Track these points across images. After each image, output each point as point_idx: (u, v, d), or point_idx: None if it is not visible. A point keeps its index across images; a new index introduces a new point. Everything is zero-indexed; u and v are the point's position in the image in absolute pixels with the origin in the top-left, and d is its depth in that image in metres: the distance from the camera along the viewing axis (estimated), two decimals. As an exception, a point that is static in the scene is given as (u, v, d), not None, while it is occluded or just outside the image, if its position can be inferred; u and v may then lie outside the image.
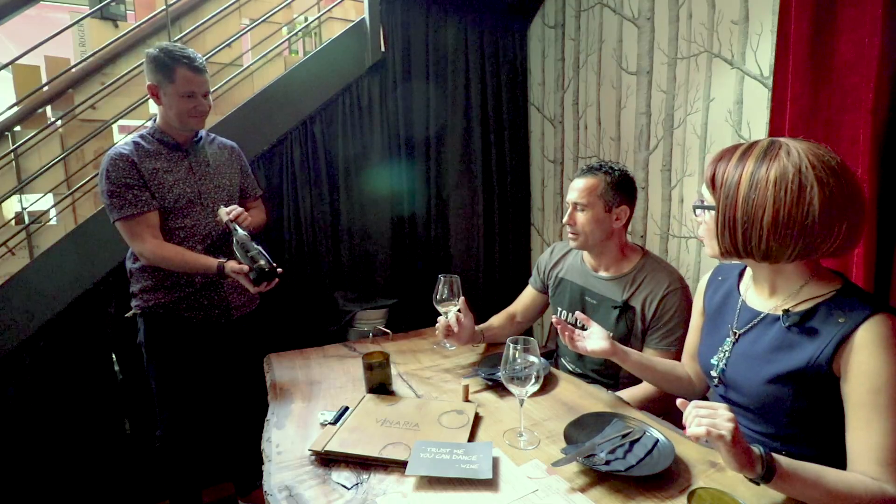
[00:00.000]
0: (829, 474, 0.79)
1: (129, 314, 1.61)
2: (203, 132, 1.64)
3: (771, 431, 0.93)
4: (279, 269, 1.39)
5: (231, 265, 1.42)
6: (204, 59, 1.50)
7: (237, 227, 1.46)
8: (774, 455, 0.76)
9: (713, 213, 0.91)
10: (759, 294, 0.99)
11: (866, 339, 0.81)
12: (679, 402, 0.81)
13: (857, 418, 0.81)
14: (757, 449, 0.76)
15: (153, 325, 1.58)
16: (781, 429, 0.92)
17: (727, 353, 0.99)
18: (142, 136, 1.53)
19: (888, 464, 0.78)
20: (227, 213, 1.49)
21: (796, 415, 0.89)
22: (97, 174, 2.31)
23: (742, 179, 0.85)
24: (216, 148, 1.67)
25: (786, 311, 0.90)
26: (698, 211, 0.96)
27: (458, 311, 1.42)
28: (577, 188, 1.43)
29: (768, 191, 0.82)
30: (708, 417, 0.75)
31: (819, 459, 0.84)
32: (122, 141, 1.51)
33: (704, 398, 1.12)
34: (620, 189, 1.41)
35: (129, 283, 1.60)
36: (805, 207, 0.80)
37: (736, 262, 0.96)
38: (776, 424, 0.92)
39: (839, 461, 0.85)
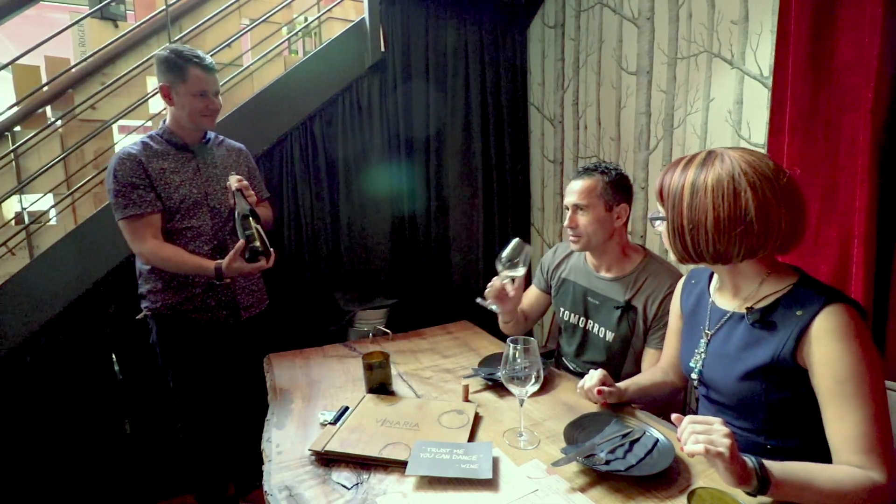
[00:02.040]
0: (819, 474, 0.79)
1: (139, 316, 1.63)
2: (212, 134, 1.66)
3: (752, 427, 0.95)
4: (272, 251, 1.45)
5: (227, 259, 1.43)
6: (211, 58, 1.53)
7: (242, 200, 1.47)
8: (765, 463, 0.77)
9: (665, 222, 0.96)
10: (724, 294, 1.03)
11: (822, 331, 0.83)
12: (674, 417, 0.82)
13: (831, 410, 0.83)
14: (749, 461, 0.76)
15: (163, 327, 1.60)
16: (761, 423, 0.94)
17: (703, 354, 1.02)
18: (151, 137, 1.55)
19: (868, 451, 0.80)
20: (237, 180, 1.50)
21: (772, 408, 0.91)
22: (98, 174, 2.33)
23: (685, 188, 0.91)
24: (224, 150, 1.68)
25: (749, 309, 0.94)
26: (656, 222, 1.00)
27: (513, 280, 1.39)
28: (576, 190, 1.43)
29: (707, 197, 0.88)
30: (704, 434, 0.76)
31: (803, 449, 0.86)
32: (131, 141, 1.55)
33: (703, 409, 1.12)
34: (619, 188, 1.42)
35: (139, 285, 1.61)
36: (742, 210, 0.85)
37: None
38: (756, 419, 0.94)
39: (823, 450, 0.87)
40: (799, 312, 0.87)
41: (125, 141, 2.65)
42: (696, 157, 0.93)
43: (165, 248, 1.49)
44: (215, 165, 1.62)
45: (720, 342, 1.00)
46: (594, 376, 1.16)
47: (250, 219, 1.44)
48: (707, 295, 1.08)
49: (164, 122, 1.57)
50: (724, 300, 1.02)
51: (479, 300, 1.43)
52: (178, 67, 1.46)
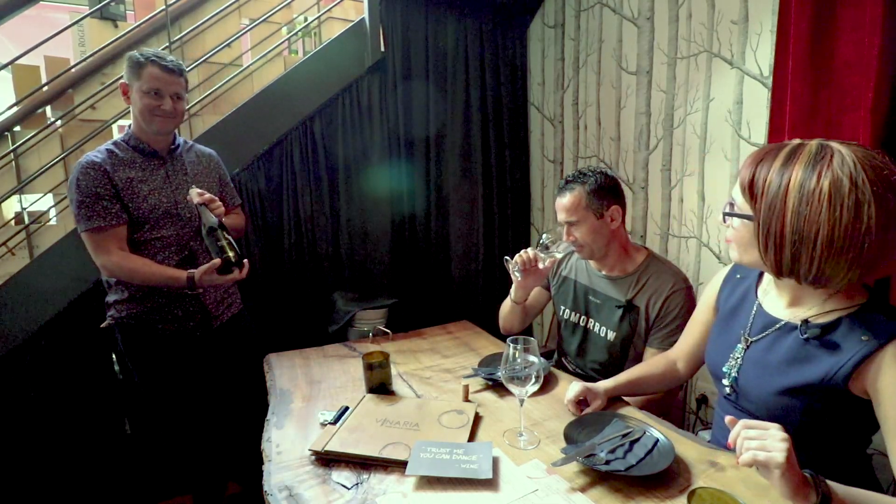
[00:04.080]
0: (885, 501, 0.75)
1: (103, 325, 1.56)
2: (181, 140, 1.60)
3: None
4: (245, 260, 1.41)
5: (200, 270, 1.39)
6: (179, 62, 1.46)
7: (208, 213, 1.41)
8: (828, 482, 0.71)
9: (749, 223, 0.83)
10: (778, 300, 0.94)
11: (894, 361, 0.75)
12: (728, 419, 0.76)
13: None
14: (807, 474, 0.70)
15: (128, 337, 1.54)
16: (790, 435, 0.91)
17: (739, 360, 0.96)
18: (115, 144, 1.47)
19: None
20: (198, 194, 1.43)
21: (805, 426, 0.86)
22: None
23: (790, 189, 0.75)
24: (194, 156, 1.62)
25: (805, 322, 0.86)
26: (729, 218, 0.87)
27: (545, 263, 1.42)
28: (562, 208, 1.42)
29: (822, 206, 0.72)
30: (758, 439, 0.70)
31: (822, 463, 0.83)
32: (94, 149, 1.47)
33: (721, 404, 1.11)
34: (603, 193, 1.40)
35: (106, 294, 1.55)
36: (862, 227, 0.71)
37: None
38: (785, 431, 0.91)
39: (843, 466, 0.85)
40: (864, 337, 0.78)
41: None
42: (802, 150, 0.77)
43: (132, 259, 1.43)
44: (185, 172, 1.55)
45: (762, 351, 0.92)
46: (571, 390, 1.15)
47: (219, 230, 1.39)
48: (754, 296, 0.98)
49: (129, 127, 1.50)
50: (776, 307, 0.93)
51: (507, 258, 1.46)
52: (137, 65, 1.41)
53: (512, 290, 1.56)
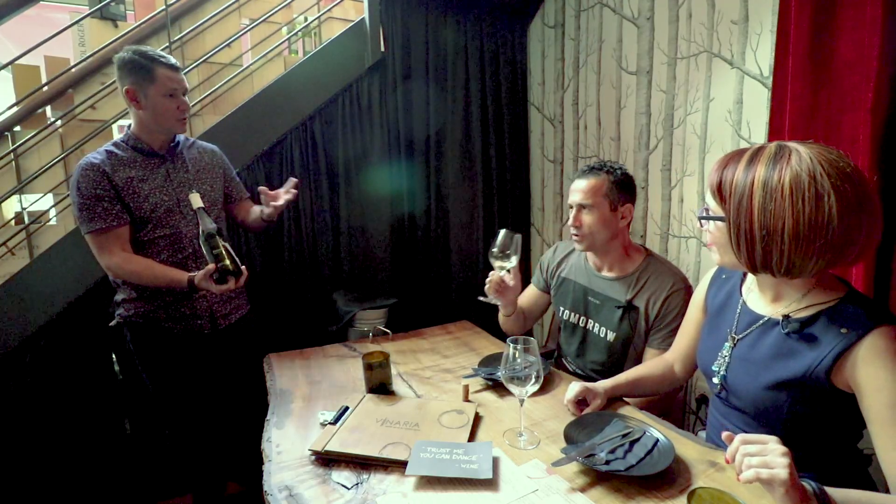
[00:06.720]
0: (881, 501, 0.75)
1: (112, 323, 1.57)
2: (181, 137, 1.58)
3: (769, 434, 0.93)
4: (244, 268, 1.39)
5: (200, 275, 1.37)
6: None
7: (206, 218, 1.41)
8: (826, 489, 0.71)
9: (722, 224, 0.86)
10: (760, 298, 0.96)
11: (872, 353, 0.77)
12: (724, 435, 0.76)
13: (885, 437, 0.77)
14: (809, 486, 0.70)
15: (137, 335, 1.55)
16: (779, 433, 0.90)
17: (726, 358, 0.97)
18: (115, 144, 1.47)
19: None
20: (200, 198, 1.43)
21: (793, 420, 0.87)
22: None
23: (755, 188, 0.79)
24: (196, 152, 1.61)
25: (786, 317, 0.88)
26: (706, 223, 0.91)
27: (509, 271, 1.39)
28: (581, 189, 1.41)
29: (785, 200, 0.77)
30: (758, 455, 0.69)
31: (812, 460, 0.84)
32: (94, 150, 1.47)
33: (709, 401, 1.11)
34: (623, 188, 1.41)
35: (115, 293, 1.56)
36: (824, 218, 0.75)
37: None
38: (774, 429, 0.91)
39: (832, 462, 0.85)
40: (843, 330, 0.80)
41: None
42: (763, 152, 0.82)
43: (134, 260, 1.43)
44: (187, 170, 1.55)
45: (747, 347, 0.94)
46: (571, 390, 1.15)
47: (216, 237, 1.37)
48: (738, 294, 1.01)
49: (129, 128, 1.49)
50: (759, 304, 0.96)
51: (480, 298, 1.44)
52: (144, 68, 1.40)
53: (501, 312, 1.57)
